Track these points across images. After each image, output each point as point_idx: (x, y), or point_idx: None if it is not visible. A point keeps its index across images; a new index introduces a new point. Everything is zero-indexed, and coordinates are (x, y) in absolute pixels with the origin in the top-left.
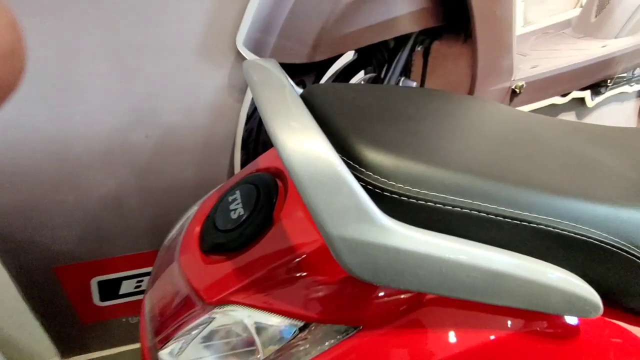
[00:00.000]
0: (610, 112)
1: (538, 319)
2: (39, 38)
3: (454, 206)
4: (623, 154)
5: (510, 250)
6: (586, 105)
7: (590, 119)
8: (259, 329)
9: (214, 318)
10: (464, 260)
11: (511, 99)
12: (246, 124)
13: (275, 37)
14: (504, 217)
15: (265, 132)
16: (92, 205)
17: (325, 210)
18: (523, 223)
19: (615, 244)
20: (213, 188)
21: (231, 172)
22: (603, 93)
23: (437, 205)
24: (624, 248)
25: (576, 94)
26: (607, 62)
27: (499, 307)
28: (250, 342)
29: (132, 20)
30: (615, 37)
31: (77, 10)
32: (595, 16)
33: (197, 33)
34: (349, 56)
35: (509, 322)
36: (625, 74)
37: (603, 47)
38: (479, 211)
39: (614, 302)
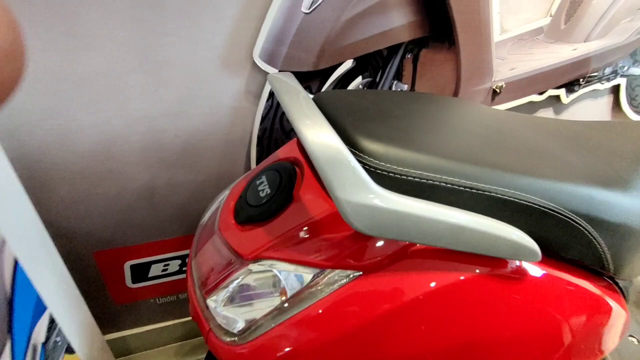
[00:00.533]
0: (585, 107)
1: (493, 265)
2: (90, 55)
3: (427, 179)
4: (576, 145)
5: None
6: (562, 102)
7: (567, 114)
8: (285, 275)
9: (251, 270)
10: (434, 216)
11: (493, 98)
12: (261, 123)
13: (286, 48)
14: (464, 187)
15: (277, 130)
16: (127, 197)
17: (336, 182)
18: (479, 192)
19: (550, 207)
20: (232, 180)
21: (248, 165)
22: (577, 90)
23: (415, 179)
24: (557, 210)
25: (552, 92)
26: (578, 63)
27: (464, 254)
28: (278, 287)
29: (166, 39)
30: (585, 41)
31: (123, 33)
32: (565, 23)
33: (220, 49)
34: (348, 64)
35: (471, 267)
36: (596, 73)
37: (574, 50)
38: (446, 183)
39: (553, 253)
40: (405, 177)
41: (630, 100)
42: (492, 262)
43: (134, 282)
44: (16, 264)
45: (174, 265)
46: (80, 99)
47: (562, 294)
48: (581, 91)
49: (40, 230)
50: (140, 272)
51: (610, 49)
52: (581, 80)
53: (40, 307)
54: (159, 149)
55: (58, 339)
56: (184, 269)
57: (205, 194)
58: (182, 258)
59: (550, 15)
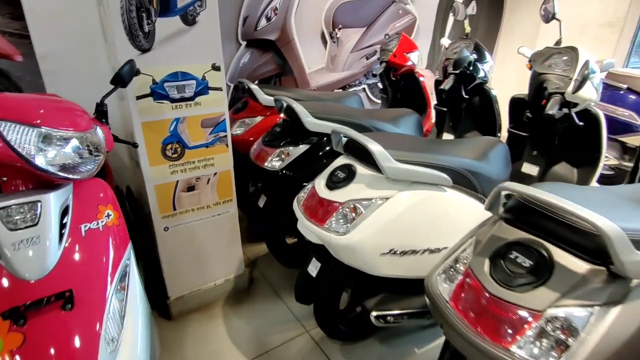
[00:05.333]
0: None
1: None
2: None
3: None
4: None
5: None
6: None
7: None
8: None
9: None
10: None
11: None
12: (228, 97)
13: (236, 77)
14: None
15: (236, 95)
16: None
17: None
18: None
19: None
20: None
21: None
22: (349, 89)
23: None
24: None
25: (337, 90)
26: (343, 79)
27: None
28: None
29: None
30: (342, 71)
31: None
32: (332, 65)
33: None
34: (257, 81)
35: None
36: (353, 82)
37: (339, 75)
38: None
39: None
40: None
41: (372, 94)
42: None
43: None
44: None
45: None
46: None
47: None
48: (351, 90)
49: None
50: None
51: (354, 73)
52: (347, 85)
53: None
54: None
55: None
56: None
57: None
58: None
59: (324, 63)
